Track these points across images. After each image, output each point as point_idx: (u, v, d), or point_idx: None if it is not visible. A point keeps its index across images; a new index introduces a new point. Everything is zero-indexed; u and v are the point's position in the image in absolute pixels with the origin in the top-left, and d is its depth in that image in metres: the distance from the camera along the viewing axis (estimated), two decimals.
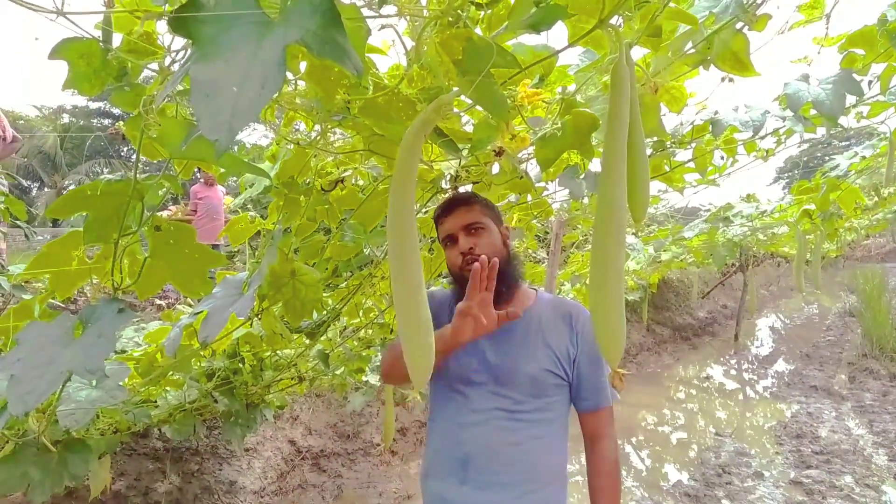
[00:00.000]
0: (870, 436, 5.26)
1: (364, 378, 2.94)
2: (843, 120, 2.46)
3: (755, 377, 8.33)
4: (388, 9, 0.84)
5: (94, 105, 31.64)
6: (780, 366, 8.94)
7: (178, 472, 3.37)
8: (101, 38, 1.05)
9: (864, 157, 3.18)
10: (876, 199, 7.43)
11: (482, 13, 0.94)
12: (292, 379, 2.59)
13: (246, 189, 1.70)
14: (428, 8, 0.82)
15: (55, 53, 1.04)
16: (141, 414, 2.25)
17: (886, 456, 4.74)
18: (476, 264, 1.24)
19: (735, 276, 12.60)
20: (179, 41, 1.05)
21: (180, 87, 1.26)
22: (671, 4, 1.02)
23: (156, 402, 2.43)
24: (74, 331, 1.30)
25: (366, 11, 0.81)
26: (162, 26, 1.10)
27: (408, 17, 0.84)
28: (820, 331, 12.24)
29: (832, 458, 4.66)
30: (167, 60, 1.07)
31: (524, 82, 1.11)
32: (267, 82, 0.63)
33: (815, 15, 1.73)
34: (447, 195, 1.80)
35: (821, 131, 2.40)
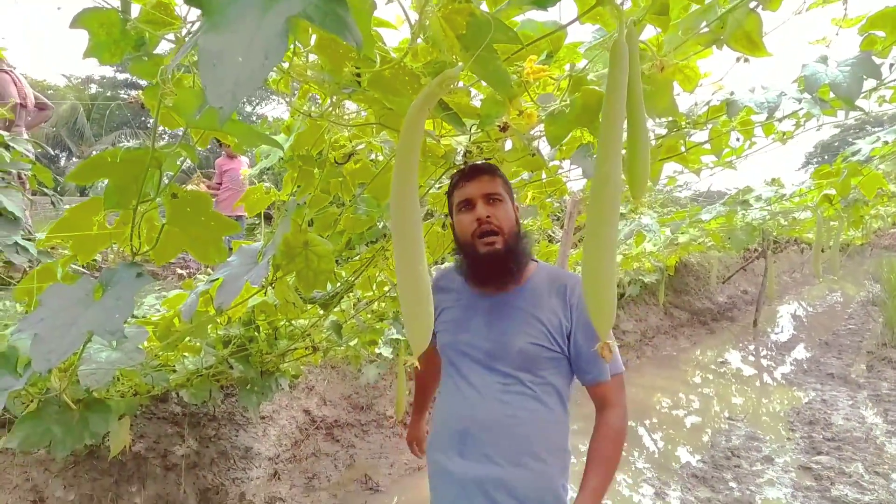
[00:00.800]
0: (884, 425, 5.23)
1: (377, 350, 2.99)
2: (864, 103, 2.43)
3: (772, 363, 8.27)
4: None
5: (121, 76, 31.96)
6: (799, 353, 8.87)
7: (195, 436, 3.46)
8: (120, 8, 1.08)
9: (886, 143, 3.14)
10: None
11: None
12: (306, 349, 2.64)
13: (262, 160, 1.74)
14: None
15: (76, 22, 1.08)
16: (159, 377, 2.33)
17: None
18: None
19: (757, 262, 12.49)
20: (196, 13, 1.08)
21: (196, 57, 1.30)
22: None
23: (174, 367, 2.50)
24: (95, 293, 1.35)
25: None
26: None
27: None
28: (841, 319, 12.09)
29: (843, 445, 4.65)
30: (183, 31, 1.10)
31: (531, 58, 1.12)
32: (270, 53, 0.66)
33: None
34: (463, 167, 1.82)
35: (851, 114, 2.37)
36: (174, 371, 2.50)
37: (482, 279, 1.62)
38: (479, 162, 1.75)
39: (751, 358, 8.71)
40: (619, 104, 0.86)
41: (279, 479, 3.66)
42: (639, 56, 0.98)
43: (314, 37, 1.07)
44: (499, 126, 1.32)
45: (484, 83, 1.15)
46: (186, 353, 2.50)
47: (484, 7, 0.95)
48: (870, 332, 10.05)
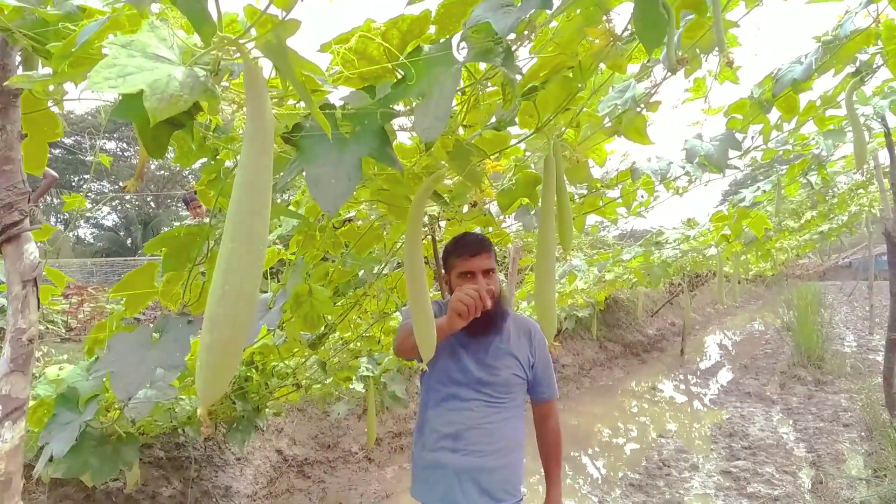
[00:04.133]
0: (793, 433, 5.92)
1: (351, 386, 3.39)
2: (738, 162, 3.10)
3: (697, 387, 9.01)
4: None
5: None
6: (721, 377, 9.68)
7: (179, 478, 3.73)
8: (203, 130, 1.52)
9: (765, 191, 3.84)
10: (801, 221, 8.21)
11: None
12: (292, 385, 3.02)
13: (277, 228, 2.19)
14: None
15: (164, 140, 1.52)
16: (170, 416, 2.67)
17: (805, 448, 5.39)
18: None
19: (682, 295, 13.41)
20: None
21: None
22: (584, 110, 1.56)
23: (174, 409, 2.83)
24: (152, 339, 1.73)
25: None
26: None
27: None
28: (759, 344, 13.12)
29: (758, 451, 5.28)
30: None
31: (490, 159, 1.64)
32: (351, 177, 1.12)
33: (700, 94, 2.32)
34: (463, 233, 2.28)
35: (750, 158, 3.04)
36: (174, 413, 2.83)
37: (475, 331, 2.06)
38: (479, 235, 2.19)
39: (678, 384, 9.43)
40: (551, 196, 1.38)
41: None
42: (562, 158, 1.50)
43: None
44: (471, 203, 1.83)
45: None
46: (183, 395, 2.84)
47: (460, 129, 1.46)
48: (783, 354, 11.00)
